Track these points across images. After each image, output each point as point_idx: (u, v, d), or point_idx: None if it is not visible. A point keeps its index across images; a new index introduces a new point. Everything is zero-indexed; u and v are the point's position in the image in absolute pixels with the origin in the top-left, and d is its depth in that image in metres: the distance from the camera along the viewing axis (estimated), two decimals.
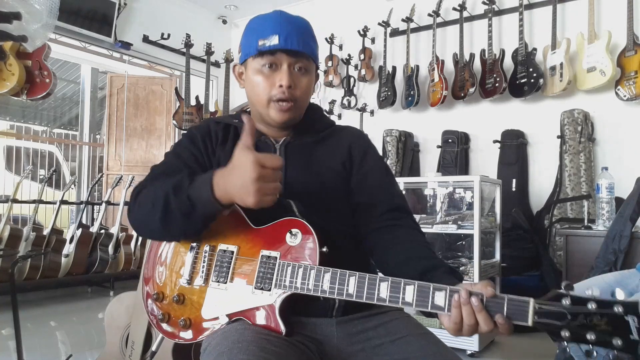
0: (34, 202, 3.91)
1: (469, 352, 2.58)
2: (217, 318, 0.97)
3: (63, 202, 3.92)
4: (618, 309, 0.67)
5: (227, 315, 0.96)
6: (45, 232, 3.84)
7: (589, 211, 2.85)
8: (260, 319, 0.94)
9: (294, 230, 0.95)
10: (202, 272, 1.00)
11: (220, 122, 1.14)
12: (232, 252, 0.99)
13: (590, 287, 0.72)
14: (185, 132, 4.35)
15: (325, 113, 1.25)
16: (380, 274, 0.90)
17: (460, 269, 2.68)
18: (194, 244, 1.03)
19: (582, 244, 2.52)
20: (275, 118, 1.05)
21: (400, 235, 1.04)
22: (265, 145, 1.10)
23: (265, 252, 0.96)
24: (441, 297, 0.80)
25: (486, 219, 2.82)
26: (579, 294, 0.70)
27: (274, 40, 1.01)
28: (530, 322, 0.72)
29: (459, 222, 2.74)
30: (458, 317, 0.78)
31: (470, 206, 2.93)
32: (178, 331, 1.01)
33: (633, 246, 2.20)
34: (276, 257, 0.95)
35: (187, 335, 1.00)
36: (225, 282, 0.98)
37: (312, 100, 1.20)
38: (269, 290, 0.94)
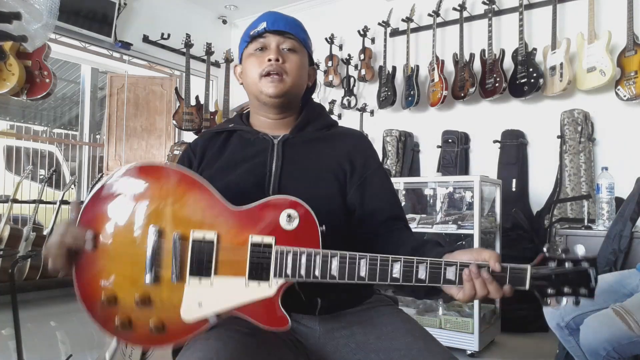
0: (34, 202, 3.92)
1: (469, 352, 2.58)
2: (204, 319, 0.86)
3: (63, 202, 3.92)
4: (585, 264, 0.83)
5: (217, 314, 0.86)
6: (45, 232, 3.84)
7: (589, 211, 2.85)
8: (259, 314, 0.85)
9: (291, 213, 0.86)
10: (175, 267, 0.86)
11: (209, 132, 1.18)
12: (212, 241, 0.86)
13: (563, 244, 0.80)
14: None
15: (328, 113, 1.25)
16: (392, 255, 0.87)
17: None
18: (153, 230, 0.86)
19: (582, 244, 2.52)
20: (268, 91, 1.06)
21: (393, 235, 1.05)
22: (263, 142, 1.10)
23: (256, 239, 0.86)
24: (452, 272, 0.83)
25: (486, 219, 2.82)
26: (559, 256, 0.84)
27: (262, 26, 1.09)
28: (527, 287, 0.82)
29: (459, 222, 2.75)
30: (472, 290, 0.82)
31: (470, 206, 2.93)
32: (149, 337, 0.87)
33: (633, 246, 2.20)
34: (271, 244, 0.86)
35: (164, 339, 0.87)
36: (209, 276, 0.86)
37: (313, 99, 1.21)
38: (267, 280, 0.85)
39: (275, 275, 0.85)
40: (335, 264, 0.84)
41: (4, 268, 3.36)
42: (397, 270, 0.83)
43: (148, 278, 0.86)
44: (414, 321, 1.02)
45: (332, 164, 1.09)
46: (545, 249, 0.84)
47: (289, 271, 0.85)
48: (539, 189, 3.56)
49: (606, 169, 2.61)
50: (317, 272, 0.85)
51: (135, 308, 0.87)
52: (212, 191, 0.89)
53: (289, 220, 0.86)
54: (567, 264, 0.82)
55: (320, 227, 0.87)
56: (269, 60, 1.06)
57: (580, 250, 0.84)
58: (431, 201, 3.21)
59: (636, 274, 1.79)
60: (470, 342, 2.57)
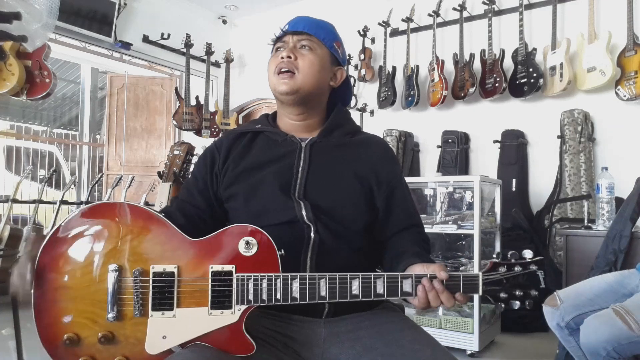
0: (34, 202, 3.91)
1: (468, 352, 2.58)
2: (169, 350, 0.87)
3: (63, 202, 3.91)
4: (533, 267, 0.88)
5: (180, 345, 0.87)
6: (45, 232, 3.84)
7: (589, 211, 2.85)
8: (223, 340, 0.86)
9: (249, 240, 0.88)
10: (137, 303, 0.86)
11: (234, 132, 1.17)
12: (172, 273, 0.87)
13: (513, 252, 0.91)
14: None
15: (352, 118, 1.26)
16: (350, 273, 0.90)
17: (460, 268, 2.68)
18: (112, 267, 0.87)
19: (582, 244, 2.52)
20: (279, 88, 1.08)
21: (396, 242, 1.09)
22: (291, 144, 1.10)
23: (216, 267, 0.87)
24: (408, 284, 0.88)
25: (486, 219, 2.82)
26: (509, 261, 0.90)
27: (284, 28, 1.12)
28: (480, 293, 0.88)
29: (459, 222, 2.74)
30: (425, 300, 0.88)
31: (470, 206, 2.93)
32: None
33: (633, 246, 2.20)
34: (231, 271, 0.87)
35: None
36: (172, 309, 0.87)
37: None
38: (230, 308, 0.86)
39: (237, 303, 0.87)
40: (295, 286, 0.87)
41: (4, 268, 3.36)
42: (355, 287, 0.87)
43: (110, 316, 0.86)
44: (421, 329, 1.03)
45: (357, 171, 1.09)
46: (494, 256, 0.91)
47: (250, 297, 0.86)
48: (539, 189, 3.56)
49: (606, 169, 2.61)
50: (278, 296, 0.87)
51: (99, 346, 0.87)
52: (169, 224, 0.90)
53: (247, 247, 0.87)
54: (516, 268, 0.89)
55: (279, 251, 0.88)
56: (282, 57, 1.07)
57: (527, 254, 0.90)
58: (431, 201, 3.21)
59: (636, 274, 1.79)
60: (470, 342, 2.57)
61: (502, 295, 0.89)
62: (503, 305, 0.89)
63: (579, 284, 1.88)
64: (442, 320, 2.69)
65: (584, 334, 1.58)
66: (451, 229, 2.75)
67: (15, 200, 3.76)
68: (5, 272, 3.41)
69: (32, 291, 0.88)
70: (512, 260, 0.90)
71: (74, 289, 0.87)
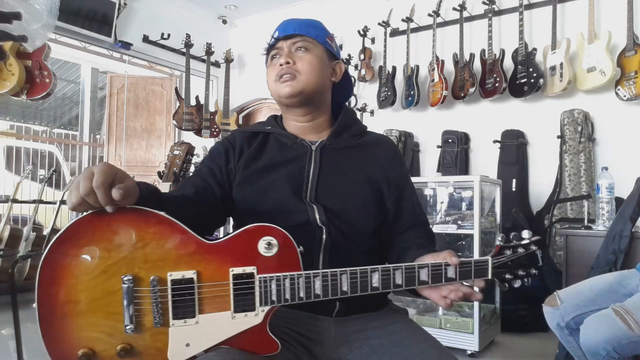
0: (34, 202, 3.91)
1: (469, 352, 2.59)
2: (192, 357, 0.84)
3: (63, 202, 3.91)
4: (533, 247, 0.93)
5: (205, 351, 0.85)
6: (45, 232, 3.84)
7: (589, 211, 2.85)
8: (248, 342, 0.85)
9: (270, 240, 0.85)
10: (157, 313, 0.82)
11: (246, 132, 1.17)
12: (192, 279, 0.83)
13: (517, 231, 0.95)
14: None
15: (358, 118, 1.26)
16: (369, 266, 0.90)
17: None
18: (127, 278, 0.81)
19: (582, 244, 2.52)
20: (283, 92, 1.08)
21: (402, 239, 1.10)
22: (301, 147, 1.11)
23: (236, 270, 0.85)
24: (424, 273, 0.89)
25: (486, 219, 2.82)
26: (512, 244, 0.94)
27: (275, 35, 1.12)
28: (490, 276, 0.91)
29: (459, 222, 2.75)
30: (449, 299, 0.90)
31: (470, 206, 2.93)
32: None
33: (633, 246, 2.20)
34: (253, 273, 0.85)
35: None
36: (194, 316, 0.83)
37: None
38: (253, 310, 0.85)
39: (261, 304, 0.85)
40: (318, 283, 0.86)
41: (4, 268, 3.36)
42: (376, 279, 0.87)
43: (128, 328, 0.82)
44: (426, 331, 1.04)
45: (367, 172, 1.10)
46: (499, 239, 0.95)
47: (274, 297, 0.85)
48: (539, 189, 3.56)
49: (606, 169, 2.61)
50: (302, 294, 0.86)
51: (118, 359, 0.83)
52: (183, 227, 0.84)
53: (268, 247, 0.85)
54: (519, 250, 0.93)
55: (298, 247, 0.87)
56: (280, 65, 1.08)
57: (526, 234, 0.94)
58: (431, 201, 3.21)
59: (636, 274, 1.79)
60: (470, 342, 2.57)
61: (507, 276, 0.92)
62: (507, 285, 0.93)
63: (579, 284, 1.89)
64: (442, 320, 2.69)
65: (584, 334, 1.58)
66: (451, 229, 2.75)
67: (15, 200, 3.77)
68: (5, 272, 3.42)
69: (36, 306, 0.81)
70: (514, 242, 0.93)
71: (84, 302, 0.81)
